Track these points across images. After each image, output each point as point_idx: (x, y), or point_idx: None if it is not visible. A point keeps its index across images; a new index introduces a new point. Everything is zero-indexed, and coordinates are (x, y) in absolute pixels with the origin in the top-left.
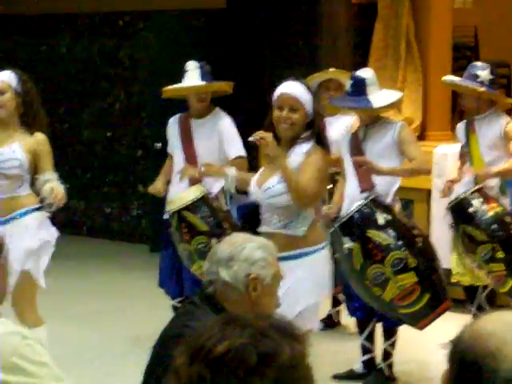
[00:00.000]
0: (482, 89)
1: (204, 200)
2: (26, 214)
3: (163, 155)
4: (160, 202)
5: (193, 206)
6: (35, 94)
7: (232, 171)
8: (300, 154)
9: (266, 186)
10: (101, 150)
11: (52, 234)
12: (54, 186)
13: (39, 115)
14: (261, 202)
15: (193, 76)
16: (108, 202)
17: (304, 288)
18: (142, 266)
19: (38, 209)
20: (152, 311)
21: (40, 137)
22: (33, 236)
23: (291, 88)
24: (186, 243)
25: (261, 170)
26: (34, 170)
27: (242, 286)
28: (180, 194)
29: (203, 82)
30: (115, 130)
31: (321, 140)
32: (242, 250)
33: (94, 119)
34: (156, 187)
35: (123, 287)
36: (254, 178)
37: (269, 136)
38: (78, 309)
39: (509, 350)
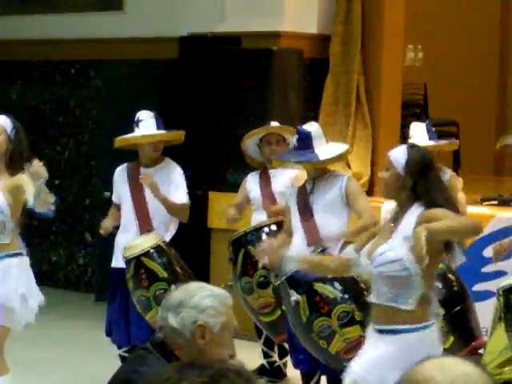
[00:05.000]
0: None
1: (162, 247)
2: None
3: (112, 204)
4: (107, 251)
5: (152, 253)
6: (26, 146)
7: None
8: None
9: (376, 254)
10: None
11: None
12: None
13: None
14: (372, 272)
15: (148, 125)
16: (54, 250)
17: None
18: (87, 315)
19: (17, 254)
20: (97, 360)
21: (20, 175)
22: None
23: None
24: (144, 289)
25: (374, 239)
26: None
27: (188, 332)
28: (137, 240)
29: (159, 131)
30: (64, 178)
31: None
32: (191, 297)
33: None
34: (103, 225)
35: (68, 336)
36: (365, 249)
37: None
38: (22, 357)
39: None
